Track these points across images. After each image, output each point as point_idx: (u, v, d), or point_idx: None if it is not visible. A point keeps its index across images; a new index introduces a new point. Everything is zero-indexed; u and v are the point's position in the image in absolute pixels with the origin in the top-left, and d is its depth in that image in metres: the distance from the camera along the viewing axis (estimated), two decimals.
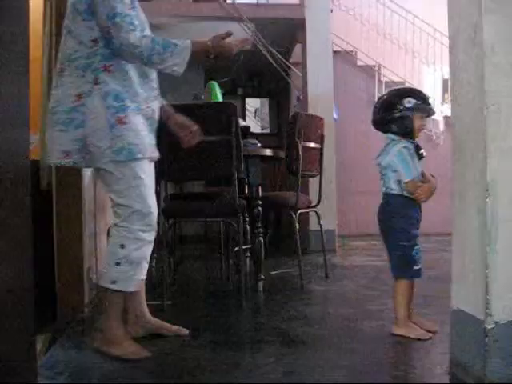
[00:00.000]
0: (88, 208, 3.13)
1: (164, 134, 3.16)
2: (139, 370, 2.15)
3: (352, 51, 7.62)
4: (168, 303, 3.13)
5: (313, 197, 4.29)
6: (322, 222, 4.06)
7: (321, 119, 4.16)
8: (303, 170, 3.77)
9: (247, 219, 3.66)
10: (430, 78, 7.99)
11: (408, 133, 2.52)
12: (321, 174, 4.13)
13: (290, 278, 4.15)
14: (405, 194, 2.49)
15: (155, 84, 2.44)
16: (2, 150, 1.67)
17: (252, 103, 9.41)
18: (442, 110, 7.60)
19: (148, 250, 2.36)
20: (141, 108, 2.33)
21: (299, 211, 3.84)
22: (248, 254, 4.00)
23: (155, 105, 2.44)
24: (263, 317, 3.07)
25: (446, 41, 2.11)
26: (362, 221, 7.10)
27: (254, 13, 6.11)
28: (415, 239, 2.51)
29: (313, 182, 4.83)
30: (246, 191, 3.84)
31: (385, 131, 2.57)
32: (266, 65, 6.54)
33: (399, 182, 2.49)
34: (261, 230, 3.63)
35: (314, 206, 4.11)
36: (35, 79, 2.92)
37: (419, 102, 2.51)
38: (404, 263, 2.48)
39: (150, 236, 2.33)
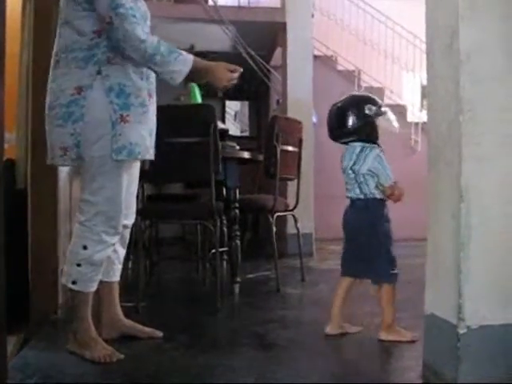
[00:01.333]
0: (64, 208, 3.10)
1: None
2: (112, 372, 2.12)
3: (332, 56, 7.66)
4: (143, 305, 3.10)
5: (291, 200, 4.29)
6: (299, 225, 4.07)
7: (299, 123, 4.17)
8: (281, 174, 3.77)
9: (224, 222, 3.65)
10: (409, 83, 8.07)
11: (375, 138, 2.57)
12: (298, 177, 4.14)
13: (266, 281, 4.15)
14: (384, 197, 2.54)
15: (153, 77, 2.37)
16: None
17: (232, 106, 9.41)
18: (420, 116, 7.67)
19: (110, 251, 2.34)
20: (146, 104, 2.28)
21: (276, 214, 3.84)
22: (225, 257, 3.99)
23: (155, 100, 2.39)
24: (238, 320, 3.07)
25: (425, 48, 2.13)
26: (339, 225, 7.12)
27: (236, 15, 6.12)
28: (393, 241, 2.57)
29: (291, 186, 4.83)
30: (224, 194, 3.84)
31: (350, 141, 2.59)
32: (247, 68, 6.54)
33: (378, 186, 2.52)
34: (238, 233, 3.62)
35: (292, 210, 4.12)
36: (12, 75, 2.88)
37: (377, 107, 2.57)
38: (392, 266, 2.52)
39: (114, 239, 2.30)
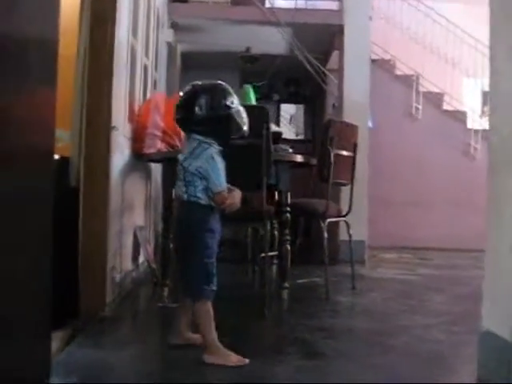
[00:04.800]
0: (114, 207, 3.12)
1: None
2: (151, 374, 2.11)
3: (390, 60, 7.52)
4: None
5: (344, 206, 4.21)
6: (351, 231, 3.98)
7: (355, 127, 4.08)
8: (334, 178, 3.70)
9: (276, 226, 3.60)
10: (470, 89, 7.84)
11: (225, 136, 2.24)
12: (352, 183, 4.06)
13: (316, 287, 4.07)
14: (212, 204, 2.23)
15: None
16: (28, 147, 1.66)
17: (287, 109, 9.36)
18: (480, 122, 7.44)
19: None
20: None
21: (328, 220, 3.77)
22: (275, 261, 3.94)
23: None
24: (285, 326, 3.01)
25: (488, 52, 2.04)
26: (394, 233, 6.97)
27: (292, 18, 6.05)
28: (215, 256, 2.31)
29: (344, 191, 4.74)
30: (276, 197, 3.79)
31: (193, 131, 2.23)
32: (303, 71, 6.49)
33: (206, 190, 2.21)
34: (288, 238, 3.56)
35: (344, 216, 4.04)
36: (69, 77, 2.92)
37: (239, 107, 2.24)
38: (206, 282, 2.26)
39: None
